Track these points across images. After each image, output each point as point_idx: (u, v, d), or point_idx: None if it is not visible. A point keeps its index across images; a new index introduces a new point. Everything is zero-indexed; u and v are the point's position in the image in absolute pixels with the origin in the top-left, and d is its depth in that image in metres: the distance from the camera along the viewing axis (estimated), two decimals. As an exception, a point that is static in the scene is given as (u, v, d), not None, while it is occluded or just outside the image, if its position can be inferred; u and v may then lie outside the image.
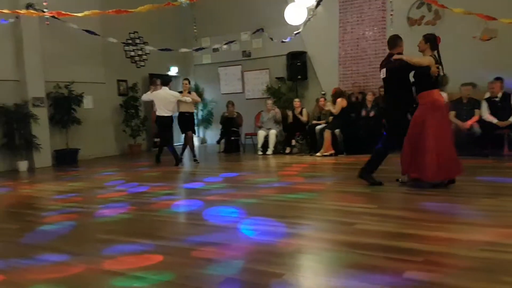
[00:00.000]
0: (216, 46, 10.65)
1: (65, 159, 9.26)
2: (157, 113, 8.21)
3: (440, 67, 4.87)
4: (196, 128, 9.97)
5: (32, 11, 7.33)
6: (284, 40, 9.48)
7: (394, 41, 5.26)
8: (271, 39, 9.97)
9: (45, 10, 6.23)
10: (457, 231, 3.36)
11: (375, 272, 2.63)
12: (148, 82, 11.35)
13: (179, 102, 8.26)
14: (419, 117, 4.87)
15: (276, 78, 11.25)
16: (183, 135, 8.66)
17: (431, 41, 5.01)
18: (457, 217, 3.81)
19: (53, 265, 3.07)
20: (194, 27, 10.10)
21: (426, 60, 4.85)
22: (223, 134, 10.27)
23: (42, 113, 8.84)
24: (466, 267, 2.65)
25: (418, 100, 4.99)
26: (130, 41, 10.88)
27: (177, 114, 8.40)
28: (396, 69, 5.02)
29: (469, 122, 7.44)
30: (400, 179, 5.33)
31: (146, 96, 8.47)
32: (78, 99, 9.38)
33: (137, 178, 6.81)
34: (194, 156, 8.58)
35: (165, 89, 8.19)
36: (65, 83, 9.27)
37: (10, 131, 8.37)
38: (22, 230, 4.09)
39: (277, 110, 9.59)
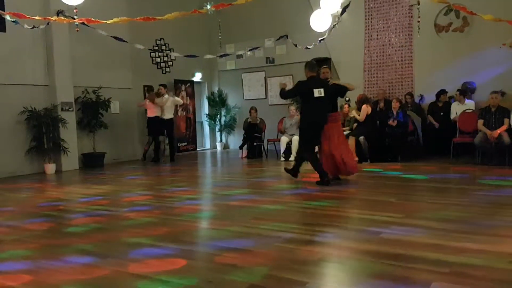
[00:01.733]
0: (240, 52, 10.73)
1: (92, 163, 9.46)
2: (167, 116, 10.00)
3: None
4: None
5: (62, 17, 7.54)
6: (308, 47, 9.47)
7: (314, 67, 6.30)
8: (295, 45, 9.97)
9: (75, 17, 6.40)
10: (486, 242, 3.27)
11: (401, 282, 2.59)
12: (174, 87, 11.55)
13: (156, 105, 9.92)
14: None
15: (297, 83, 11.22)
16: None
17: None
18: (485, 228, 3.70)
19: (80, 266, 3.14)
20: (219, 34, 10.20)
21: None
22: (245, 140, 10.30)
23: (70, 117, 9.06)
24: (494, 279, 2.57)
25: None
26: (156, 48, 11.07)
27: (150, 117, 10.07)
28: (335, 91, 6.30)
29: (498, 131, 7.25)
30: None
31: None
32: (105, 104, 9.58)
33: (161, 182, 6.90)
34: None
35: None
36: (93, 88, 9.49)
37: (40, 135, 8.61)
38: (50, 232, 4.20)
39: (300, 116, 9.53)
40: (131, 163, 9.95)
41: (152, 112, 9.96)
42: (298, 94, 6.60)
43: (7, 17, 6.84)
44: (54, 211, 5.08)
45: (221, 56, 10.91)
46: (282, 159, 9.26)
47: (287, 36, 10.79)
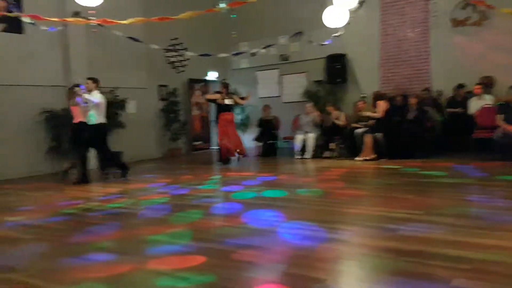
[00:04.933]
0: (254, 50, 10.71)
1: (109, 162, 9.54)
2: (103, 120, 7.25)
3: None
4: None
5: (79, 19, 7.64)
6: (323, 43, 9.41)
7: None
8: (310, 42, 9.92)
9: (91, 18, 6.47)
10: (506, 239, 3.21)
11: (421, 279, 2.56)
12: (187, 87, 11.60)
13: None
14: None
15: (314, 81, 11.18)
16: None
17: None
18: (506, 224, 3.63)
19: (100, 264, 3.18)
20: (233, 32, 10.21)
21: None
22: (260, 137, 10.29)
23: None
24: (518, 277, 2.53)
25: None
26: (171, 47, 11.13)
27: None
28: None
29: (518, 126, 7.10)
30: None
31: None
32: (122, 104, 9.68)
33: (177, 181, 6.94)
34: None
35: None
36: (110, 88, 9.58)
37: (58, 135, 8.74)
38: (70, 230, 4.27)
39: (316, 113, 9.49)
40: (147, 162, 10.04)
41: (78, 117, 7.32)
42: None
43: (26, 19, 6.97)
44: (74, 210, 5.15)
45: (235, 55, 10.91)
46: (298, 156, 9.23)
47: (301, 32, 10.74)
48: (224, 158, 8.99)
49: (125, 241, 3.78)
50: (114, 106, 9.51)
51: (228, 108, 9.15)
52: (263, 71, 12.33)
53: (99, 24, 6.58)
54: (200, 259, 3.12)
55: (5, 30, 8.09)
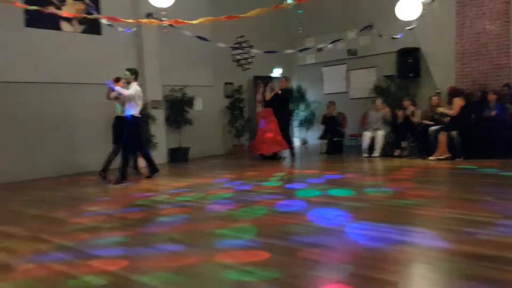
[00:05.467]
0: (321, 45, 10.54)
1: (178, 157, 9.93)
2: (136, 113, 6.91)
3: None
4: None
5: (152, 20, 7.97)
6: (395, 37, 9.03)
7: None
8: (380, 36, 9.57)
9: (163, 19, 6.72)
10: None
11: (496, 286, 2.38)
12: (253, 84, 11.69)
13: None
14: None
15: (385, 76, 10.79)
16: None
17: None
18: None
19: (170, 254, 3.30)
20: (300, 28, 10.12)
21: None
22: (325, 134, 10.10)
23: (159, 115, 9.59)
24: None
25: None
26: (237, 45, 11.29)
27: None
28: None
29: None
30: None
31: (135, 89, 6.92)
32: (190, 102, 10.01)
33: (241, 177, 7.02)
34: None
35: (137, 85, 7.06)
36: (179, 86, 9.94)
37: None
38: (143, 221, 4.47)
39: (387, 109, 9.13)
40: (213, 158, 10.28)
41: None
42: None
43: (103, 21, 7.39)
44: (147, 201, 5.40)
45: (301, 51, 10.82)
46: (365, 155, 8.95)
47: (371, 26, 10.40)
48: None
49: (193, 234, 3.88)
50: (183, 103, 9.88)
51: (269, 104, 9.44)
52: (329, 67, 12.12)
53: (170, 25, 6.81)
54: (265, 255, 3.12)
55: (84, 32, 8.66)
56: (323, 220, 4.09)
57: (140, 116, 6.99)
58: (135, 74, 6.98)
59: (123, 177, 6.87)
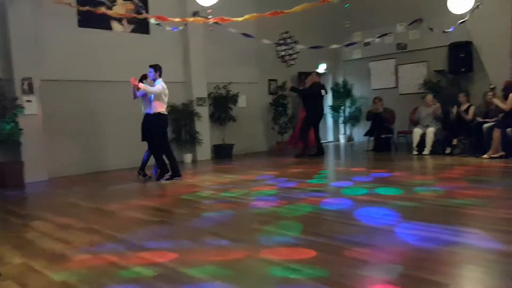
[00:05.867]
0: (368, 40, 10.29)
1: (222, 153, 10.05)
2: (162, 110, 6.73)
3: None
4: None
5: (198, 18, 8.10)
6: (446, 30, 8.66)
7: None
8: (431, 29, 9.21)
9: (209, 17, 6.81)
10: None
11: None
12: (297, 80, 11.61)
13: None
14: None
15: (435, 71, 10.39)
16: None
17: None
18: None
19: (216, 248, 3.35)
20: (346, 22, 9.93)
21: None
22: (371, 131, 9.86)
23: (204, 112, 9.75)
24: None
25: None
26: (282, 41, 11.25)
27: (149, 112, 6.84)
28: None
29: None
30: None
31: (160, 87, 6.65)
32: (234, 99, 10.09)
33: (285, 174, 7.00)
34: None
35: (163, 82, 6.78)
36: (224, 83, 10.05)
37: (178, 128, 9.45)
38: (189, 215, 4.57)
39: (438, 105, 8.77)
40: (256, 155, 10.32)
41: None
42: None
43: (152, 20, 7.59)
44: (192, 197, 5.51)
45: (347, 45, 10.60)
46: (415, 152, 8.65)
47: (421, 19, 10.03)
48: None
49: (238, 229, 3.92)
50: (227, 100, 9.98)
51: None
52: (377, 62, 11.82)
53: (215, 22, 6.88)
54: (311, 253, 3.10)
55: (133, 31, 8.93)
56: (371, 219, 4.00)
57: (166, 113, 6.82)
58: (159, 70, 6.76)
59: (164, 172, 6.78)
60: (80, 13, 7.81)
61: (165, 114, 6.78)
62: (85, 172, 8.10)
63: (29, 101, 7.34)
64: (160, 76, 6.75)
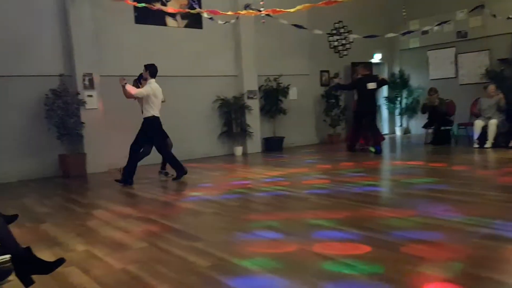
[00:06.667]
0: (426, 28, 9.84)
1: (272, 146, 10.06)
2: (154, 113, 6.31)
3: None
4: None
5: (250, 11, 8.12)
6: (510, 17, 8.09)
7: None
8: (494, 16, 8.65)
9: (261, 9, 6.80)
10: None
11: None
12: (350, 71, 11.33)
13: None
14: None
15: (499, 60, 9.76)
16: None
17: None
18: None
19: (268, 241, 3.36)
20: (403, 10, 9.54)
21: None
22: (429, 123, 9.43)
23: (254, 105, 9.79)
24: None
25: None
26: (334, 31, 11.03)
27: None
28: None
29: None
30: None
31: (144, 91, 6.24)
32: (284, 91, 10.04)
33: (337, 167, 6.88)
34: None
35: (155, 83, 6.34)
36: (274, 76, 10.02)
37: (229, 121, 9.57)
38: (241, 207, 4.61)
39: (501, 95, 8.23)
40: (308, 148, 10.22)
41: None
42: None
43: (205, 15, 7.70)
44: (244, 189, 5.57)
45: (403, 34, 10.21)
46: (476, 145, 8.20)
47: (483, 6, 9.44)
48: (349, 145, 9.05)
49: (290, 222, 3.91)
50: (277, 93, 9.95)
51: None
52: (435, 51, 11.29)
53: (267, 14, 6.86)
54: (365, 248, 3.02)
55: (187, 26, 9.11)
56: (429, 214, 3.83)
57: (157, 116, 6.34)
58: (149, 69, 6.25)
59: (180, 170, 6.45)
60: (136, 9, 8.07)
61: (156, 117, 6.31)
62: (143, 163, 8.38)
63: (90, 96, 7.72)
64: (152, 76, 6.27)
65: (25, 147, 7.33)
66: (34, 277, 2.46)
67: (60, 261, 2.60)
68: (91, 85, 7.68)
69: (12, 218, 3.28)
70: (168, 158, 6.53)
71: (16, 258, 2.42)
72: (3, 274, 2.68)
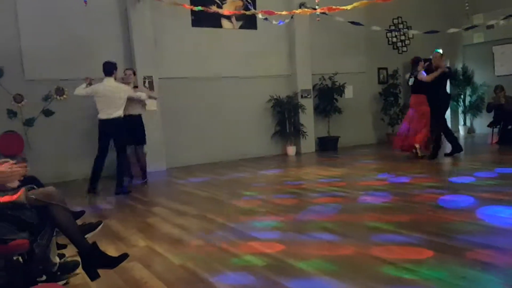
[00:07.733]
0: (491, 22, 9.27)
1: (327, 146, 9.90)
2: (99, 116, 6.01)
3: None
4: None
5: (305, 9, 8.05)
6: None
7: None
8: None
9: (316, 7, 6.73)
10: None
11: None
12: (410, 67, 10.87)
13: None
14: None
15: None
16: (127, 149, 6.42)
17: None
18: None
19: (324, 243, 3.31)
20: (466, 4, 9.04)
21: None
22: (495, 121, 8.87)
23: (308, 104, 9.69)
24: None
25: None
26: (393, 27, 10.67)
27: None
28: None
29: None
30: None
31: (82, 91, 6.02)
32: (340, 89, 9.85)
33: (396, 168, 6.64)
34: (144, 175, 6.75)
35: (109, 81, 5.99)
36: (329, 74, 9.86)
37: (283, 120, 9.53)
38: (295, 207, 4.58)
39: None
40: (364, 147, 9.96)
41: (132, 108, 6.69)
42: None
43: (259, 16, 7.74)
44: (298, 189, 5.53)
45: (466, 29, 9.68)
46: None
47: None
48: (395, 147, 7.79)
49: (346, 224, 3.83)
50: (332, 91, 9.78)
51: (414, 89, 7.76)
52: (502, 46, 10.59)
53: (323, 12, 6.77)
54: (427, 253, 2.90)
55: (242, 27, 9.20)
56: (496, 218, 3.61)
57: (103, 118, 5.97)
58: (103, 69, 5.97)
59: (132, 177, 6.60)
60: (193, 13, 8.27)
61: (100, 120, 6.00)
62: (198, 162, 8.60)
63: (152, 97, 8.00)
64: (107, 74, 5.99)
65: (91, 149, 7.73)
66: (99, 271, 2.59)
67: (124, 256, 2.72)
68: (151, 87, 7.97)
69: (79, 214, 3.47)
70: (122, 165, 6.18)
71: (83, 252, 2.56)
72: (71, 267, 2.86)
